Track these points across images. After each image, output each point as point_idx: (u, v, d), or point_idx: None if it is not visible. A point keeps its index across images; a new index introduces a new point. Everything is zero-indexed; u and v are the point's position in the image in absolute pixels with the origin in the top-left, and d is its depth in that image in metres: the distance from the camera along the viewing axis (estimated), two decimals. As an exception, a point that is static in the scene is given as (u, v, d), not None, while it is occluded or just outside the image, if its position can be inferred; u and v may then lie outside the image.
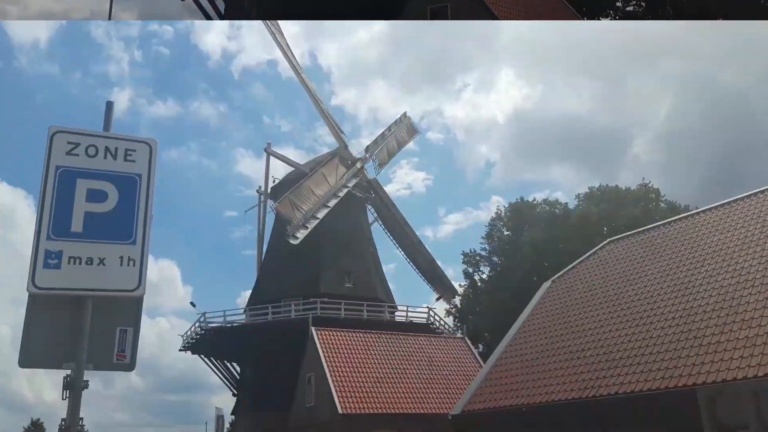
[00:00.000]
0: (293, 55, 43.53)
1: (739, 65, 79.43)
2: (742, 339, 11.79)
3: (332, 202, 39.13)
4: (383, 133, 45.93)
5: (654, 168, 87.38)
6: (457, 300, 55.45)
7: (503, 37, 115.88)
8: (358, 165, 42.10)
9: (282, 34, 41.89)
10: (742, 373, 10.94)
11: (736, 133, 74.64)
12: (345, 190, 40.44)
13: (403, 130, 47.02)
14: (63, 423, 3.81)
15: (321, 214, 38.10)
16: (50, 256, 3.89)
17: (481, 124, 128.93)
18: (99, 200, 4.13)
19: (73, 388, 3.82)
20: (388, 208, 44.16)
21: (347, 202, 42.88)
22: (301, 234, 36.76)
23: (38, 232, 3.92)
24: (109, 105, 4.56)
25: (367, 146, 44.40)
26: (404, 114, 48.13)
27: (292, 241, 36.16)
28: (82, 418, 3.86)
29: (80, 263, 3.95)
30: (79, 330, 3.92)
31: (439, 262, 45.18)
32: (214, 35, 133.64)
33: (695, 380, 11.63)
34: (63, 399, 3.84)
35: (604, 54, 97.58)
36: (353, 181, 41.43)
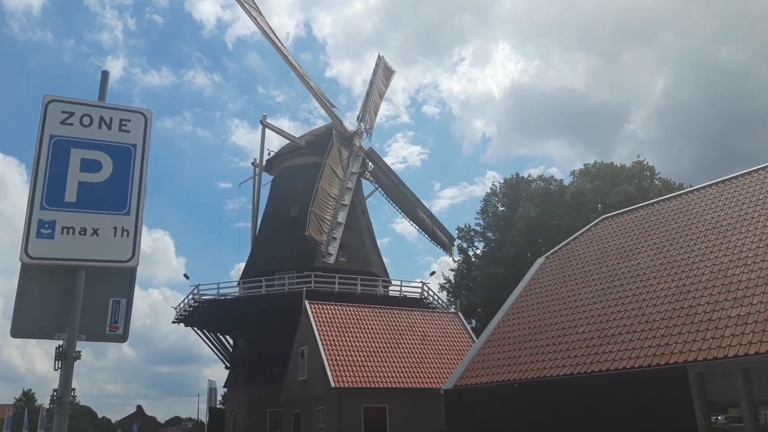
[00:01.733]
0: (276, 36, 43.05)
1: (736, 41, 79.14)
2: (734, 317, 11.89)
3: (347, 198, 39.63)
4: (367, 92, 45.79)
5: (649, 144, 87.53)
6: (450, 275, 55.82)
7: (499, 10, 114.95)
8: (356, 143, 42.04)
9: (261, 15, 41.69)
10: (733, 350, 11.05)
11: (733, 109, 74.64)
12: (354, 177, 40.76)
13: (381, 77, 46.71)
14: (55, 393, 3.80)
15: (342, 217, 38.61)
16: (43, 225, 3.84)
17: (477, 98, 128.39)
18: (93, 170, 4.07)
19: (66, 359, 3.80)
20: (386, 174, 44.51)
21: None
22: (334, 249, 37.37)
23: (31, 202, 3.87)
24: (105, 74, 4.47)
25: (358, 116, 44.23)
26: (379, 57, 47.75)
27: (329, 261, 36.66)
28: (74, 389, 3.85)
29: (74, 233, 3.90)
30: (71, 300, 3.88)
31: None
32: (209, 4, 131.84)
33: (686, 357, 11.74)
34: (55, 369, 3.82)
35: (600, 29, 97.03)
36: (357, 163, 41.55)
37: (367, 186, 46.16)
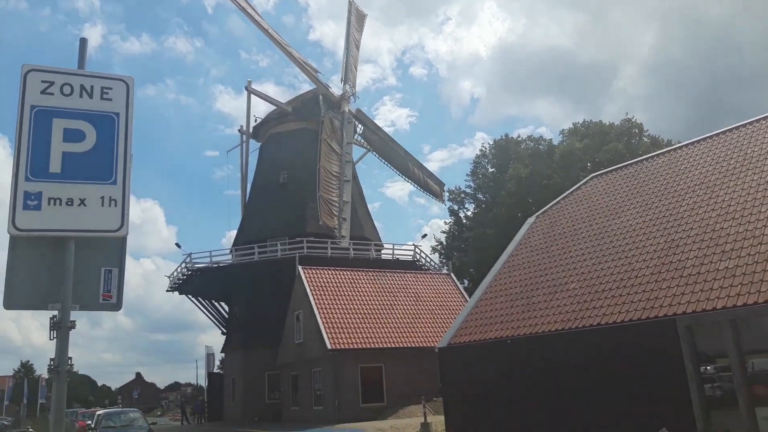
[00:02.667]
0: (252, 6, 42.38)
1: (724, -5, 78.33)
2: (722, 270, 12.04)
3: (348, 172, 39.83)
4: (345, 46, 45.06)
5: (639, 101, 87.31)
6: (442, 237, 56.10)
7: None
8: (345, 108, 41.73)
9: None
10: (721, 302, 11.21)
11: (721, 65, 74.32)
12: (350, 148, 40.93)
13: (354, 24, 45.97)
14: (52, 362, 3.83)
15: (347, 195, 38.86)
16: (29, 197, 3.81)
17: (464, 58, 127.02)
18: (76, 140, 4.02)
19: (60, 328, 3.82)
20: (375, 133, 44.46)
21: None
22: (346, 231, 37.67)
23: (16, 174, 3.83)
24: (83, 42, 4.39)
25: (341, 77, 43.81)
26: (349, 1, 46.62)
27: (342, 243, 36.85)
28: (71, 358, 3.88)
29: (61, 204, 3.88)
30: (62, 271, 3.89)
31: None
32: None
33: (675, 310, 11.91)
34: (51, 339, 3.84)
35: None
36: (350, 131, 41.45)
37: (357, 150, 46.05)
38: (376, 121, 46.67)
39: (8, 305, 3.92)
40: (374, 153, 44.72)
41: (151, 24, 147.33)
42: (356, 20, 46.25)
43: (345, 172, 39.38)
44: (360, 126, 43.78)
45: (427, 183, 46.04)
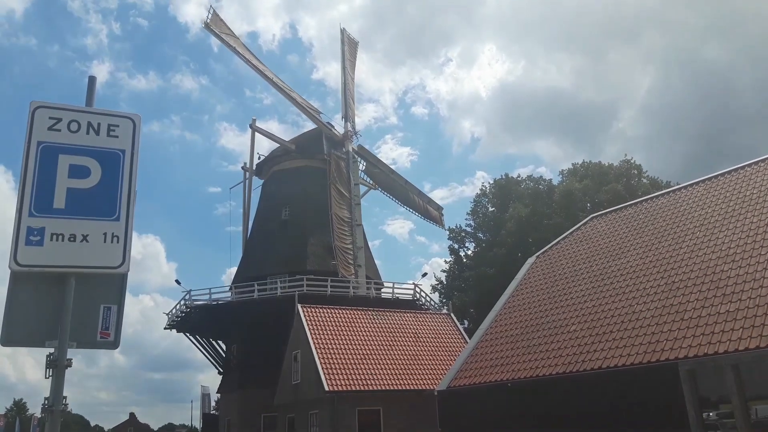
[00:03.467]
0: (258, 59, 43.57)
1: (721, 39, 79.84)
2: (723, 313, 11.97)
3: (358, 216, 40.55)
4: (344, 82, 45.74)
5: (638, 142, 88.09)
6: (442, 276, 55.89)
7: (485, 11, 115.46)
8: (349, 148, 42.53)
9: (242, 45, 42.07)
10: (723, 346, 11.13)
11: (719, 107, 75.24)
12: (358, 190, 41.74)
13: (348, 54, 46.61)
14: (46, 402, 3.77)
15: (360, 239, 39.92)
16: (32, 233, 3.81)
17: (464, 98, 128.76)
18: (82, 176, 4.04)
19: (57, 366, 3.77)
20: (376, 166, 45.28)
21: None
22: (363, 277, 38.65)
23: (20, 209, 3.84)
24: (92, 80, 4.45)
25: (342, 114, 44.54)
26: (341, 30, 47.39)
27: (361, 291, 37.61)
28: (65, 397, 3.82)
29: (63, 240, 3.88)
30: (61, 307, 3.86)
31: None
32: (193, 6, 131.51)
33: (677, 354, 11.81)
34: (46, 378, 3.79)
35: (584, 28, 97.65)
36: (356, 173, 42.38)
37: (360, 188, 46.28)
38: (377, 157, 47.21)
39: (5, 342, 3.88)
40: (379, 188, 45.39)
41: (158, 61, 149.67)
42: (349, 49, 47.09)
43: (355, 216, 39.75)
44: (363, 162, 44.23)
45: (428, 210, 46.72)
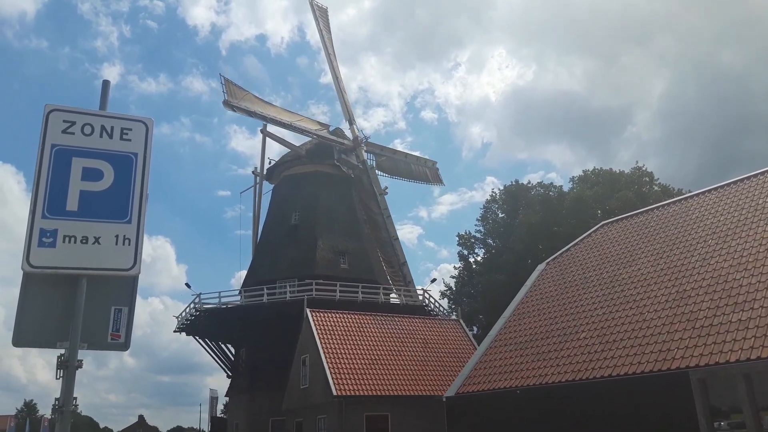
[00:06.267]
0: (272, 105, 44.51)
1: (736, 44, 79.40)
2: (735, 322, 11.88)
3: (393, 230, 42.12)
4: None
5: (652, 147, 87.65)
6: (451, 282, 55.79)
7: (495, 14, 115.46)
8: (364, 157, 43.42)
9: (256, 100, 42.55)
10: (734, 355, 11.03)
11: (734, 112, 74.74)
12: (383, 200, 42.38)
13: (322, 25, 46.84)
14: (57, 402, 3.79)
15: (401, 254, 41.37)
16: (45, 234, 3.85)
17: (474, 103, 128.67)
18: (95, 179, 4.08)
19: (67, 368, 3.80)
20: (382, 154, 45.49)
21: (343, 183, 42.95)
22: (413, 289, 40.28)
23: (33, 211, 3.88)
24: (106, 84, 4.50)
25: (347, 119, 44.87)
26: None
27: (418, 310, 38.30)
28: (75, 398, 3.84)
29: (75, 242, 3.91)
30: (73, 309, 3.89)
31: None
32: (202, 9, 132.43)
33: (688, 363, 11.72)
34: (57, 378, 3.81)
35: (596, 32, 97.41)
36: (377, 184, 42.96)
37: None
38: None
39: (17, 343, 3.91)
40: (389, 175, 45.85)
41: (169, 64, 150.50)
42: (321, 17, 47.16)
43: (390, 231, 40.88)
44: (373, 158, 44.53)
45: (427, 174, 47.36)
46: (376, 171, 44.57)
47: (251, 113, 40.66)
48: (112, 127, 4.24)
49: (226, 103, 38.89)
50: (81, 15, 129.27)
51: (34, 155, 4.02)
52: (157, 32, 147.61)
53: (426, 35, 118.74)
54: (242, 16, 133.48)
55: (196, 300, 38.52)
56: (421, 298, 40.19)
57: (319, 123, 45.52)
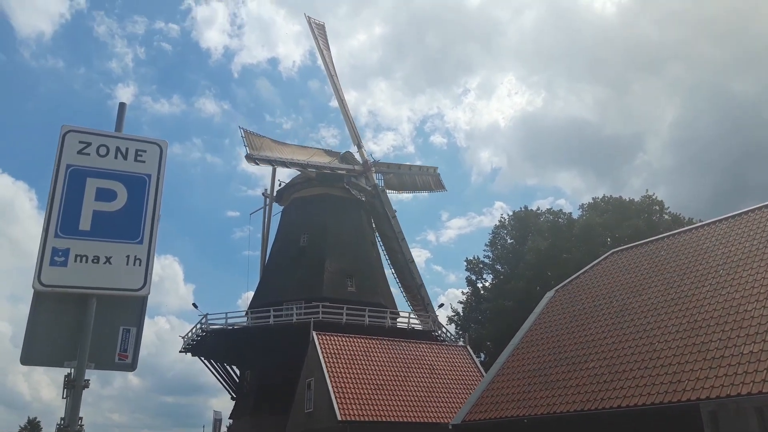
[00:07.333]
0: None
1: (747, 73, 79.42)
2: (746, 354, 11.72)
3: (407, 252, 42.74)
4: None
5: (663, 175, 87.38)
6: (459, 307, 55.47)
7: (505, 41, 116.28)
8: (374, 181, 43.72)
9: (272, 145, 43.32)
10: (746, 388, 10.87)
11: (746, 141, 74.48)
12: (396, 223, 42.69)
13: (320, 42, 47.29)
14: (62, 422, 3.78)
15: (418, 276, 41.92)
16: (57, 253, 3.87)
17: (484, 128, 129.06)
18: (108, 199, 4.12)
19: (74, 387, 3.79)
20: (388, 172, 45.80)
21: (352, 206, 43.06)
22: (436, 311, 40.90)
23: (46, 230, 3.91)
24: (122, 106, 4.57)
25: (356, 141, 45.35)
26: (307, 18, 48.29)
27: (435, 329, 38.87)
28: (81, 418, 3.83)
29: (87, 261, 3.93)
30: (82, 328, 3.89)
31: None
32: (215, 33, 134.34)
33: (699, 395, 11.55)
34: (63, 398, 3.80)
35: (607, 60, 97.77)
36: (390, 208, 43.30)
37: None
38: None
39: (25, 361, 3.91)
40: (404, 191, 47.01)
41: (182, 86, 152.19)
42: (318, 33, 47.59)
43: (406, 253, 41.27)
44: (381, 178, 44.76)
45: (430, 182, 47.88)
46: (386, 190, 44.90)
47: (272, 161, 41.51)
48: (126, 149, 4.29)
49: (249, 158, 39.29)
50: (97, 37, 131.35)
51: (47, 173, 4.08)
52: (171, 54, 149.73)
53: (436, 61, 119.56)
54: (255, 39, 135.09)
55: (203, 320, 38.50)
56: (428, 323, 40.09)
57: (330, 152, 45.94)
